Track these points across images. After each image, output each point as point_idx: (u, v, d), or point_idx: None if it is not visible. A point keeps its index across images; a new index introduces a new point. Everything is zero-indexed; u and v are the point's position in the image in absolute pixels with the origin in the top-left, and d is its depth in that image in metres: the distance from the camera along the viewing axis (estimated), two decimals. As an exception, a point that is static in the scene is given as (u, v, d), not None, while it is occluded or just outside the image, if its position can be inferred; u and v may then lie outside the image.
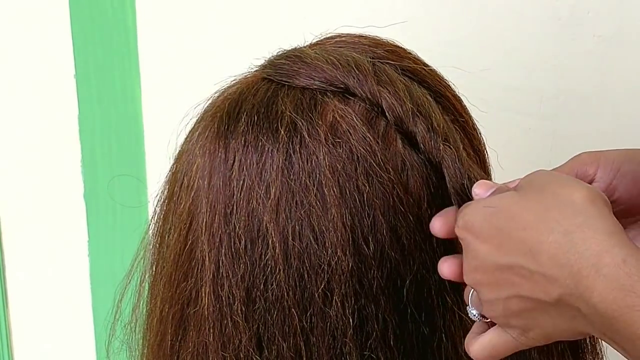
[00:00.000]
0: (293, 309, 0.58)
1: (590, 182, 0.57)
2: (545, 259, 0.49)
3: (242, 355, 0.59)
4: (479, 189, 0.57)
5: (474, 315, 0.56)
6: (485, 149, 0.66)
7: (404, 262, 0.59)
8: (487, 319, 0.56)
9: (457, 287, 0.60)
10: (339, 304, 0.58)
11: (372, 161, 0.58)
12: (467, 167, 0.59)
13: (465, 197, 0.58)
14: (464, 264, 0.55)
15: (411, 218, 0.58)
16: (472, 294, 0.56)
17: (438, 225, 0.58)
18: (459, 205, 0.57)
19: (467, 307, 0.57)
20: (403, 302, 0.59)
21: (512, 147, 0.93)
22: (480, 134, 0.66)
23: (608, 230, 0.48)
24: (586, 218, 0.49)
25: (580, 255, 0.48)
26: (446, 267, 0.57)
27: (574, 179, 0.53)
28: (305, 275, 0.58)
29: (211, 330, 0.60)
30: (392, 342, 0.59)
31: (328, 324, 0.58)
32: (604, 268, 0.47)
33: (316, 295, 0.58)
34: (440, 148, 0.59)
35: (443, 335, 0.60)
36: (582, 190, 0.51)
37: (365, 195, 0.58)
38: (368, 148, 0.58)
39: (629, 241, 0.48)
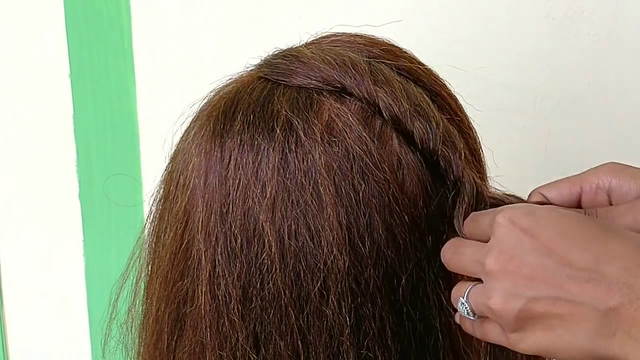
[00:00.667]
0: (289, 308, 0.58)
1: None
2: (615, 268, 0.49)
3: (239, 354, 0.59)
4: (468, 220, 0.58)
5: (465, 310, 0.56)
6: (480, 147, 0.66)
7: (399, 261, 0.59)
8: (477, 316, 0.56)
9: (453, 287, 0.60)
10: (335, 303, 0.58)
11: (367, 160, 0.58)
12: (465, 163, 0.59)
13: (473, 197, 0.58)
14: (493, 248, 0.53)
15: (406, 217, 0.59)
16: (471, 288, 0.55)
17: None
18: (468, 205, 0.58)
19: (459, 301, 0.56)
20: (399, 301, 0.59)
21: (507, 145, 0.93)
22: (475, 132, 0.66)
23: None
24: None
25: (636, 293, 0.48)
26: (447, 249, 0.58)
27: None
28: (302, 274, 0.58)
29: (208, 329, 0.60)
30: (389, 341, 0.59)
31: (325, 322, 0.58)
32: None
33: (312, 294, 0.58)
34: (439, 147, 0.59)
35: (439, 333, 0.60)
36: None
37: (361, 194, 0.58)
38: (364, 147, 0.58)
39: None
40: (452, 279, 0.60)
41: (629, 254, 0.49)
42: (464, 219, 0.59)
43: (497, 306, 0.53)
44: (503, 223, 0.53)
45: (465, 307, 0.56)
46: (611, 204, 0.59)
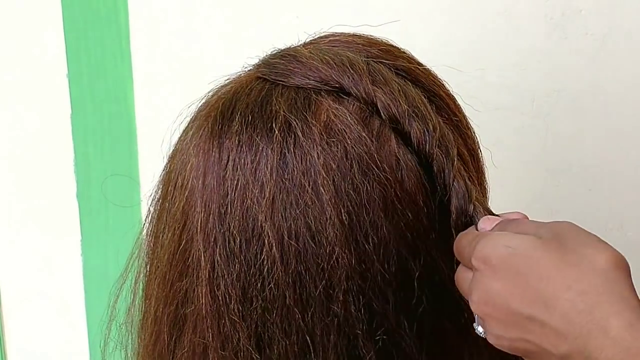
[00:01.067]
0: (293, 308, 0.58)
1: None
2: (558, 315, 0.50)
3: (241, 355, 0.59)
4: (484, 224, 0.59)
5: (481, 333, 0.57)
6: (479, 147, 0.66)
7: (409, 254, 0.59)
8: None
9: None
10: (341, 300, 0.58)
11: (367, 159, 0.58)
12: (457, 170, 0.59)
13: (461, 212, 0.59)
14: (473, 291, 0.55)
15: (410, 214, 0.59)
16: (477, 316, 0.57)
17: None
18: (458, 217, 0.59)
19: (475, 323, 0.57)
20: (415, 295, 0.59)
21: (505, 145, 0.93)
22: (474, 132, 0.66)
23: (622, 295, 0.50)
24: (604, 281, 0.50)
25: (592, 316, 0.49)
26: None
27: (599, 239, 0.54)
28: (304, 274, 0.58)
29: (209, 330, 0.60)
30: (407, 336, 0.59)
31: (334, 320, 0.58)
32: (612, 330, 0.49)
33: (317, 294, 0.58)
34: (434, 150, 0.59)
35: (456, 325, 0.61)
36: (606, 253, 0.52)
37: (362, 193, 0.58)
38: (363, 147, 0.58)
39: None
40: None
41: (570, 293, 0.50)
42: (454, 228, 0.60)
43: (493, 342, 0.55)
44: (477, 265, 0.55)
45: (481, 332, 0.57)
46: None
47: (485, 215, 0.59)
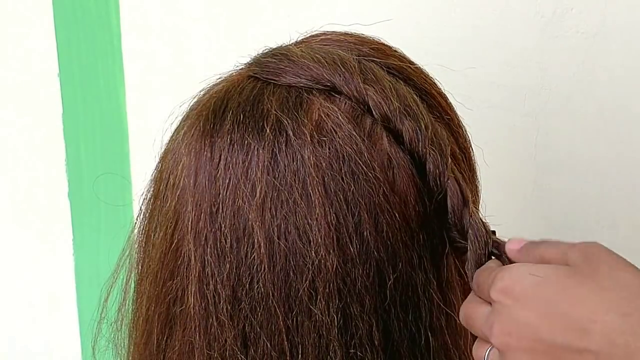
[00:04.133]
0: (278, 308, 0.58)
1: None
2: (598, 338, 0.50)
3: (227, 354, 0.59)
4: (512, 245, 0.58)
5: None
6: (470, 146, 0.66)
7: (388, 260, 0.58)
8: None
9: (443, 286, 0.60)
10: (323, 303, 0.57)
11: (357, 159, 0.58)
12: (451, 169, 0.59)
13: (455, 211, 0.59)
14: (494, 324, 0.54)
15: (397, 216, 0.59)
16: (488, 353, 0.56)
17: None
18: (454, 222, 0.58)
19: (484, 355, 0.56)
20: (388, 301, 0.59)
21: (497, 144, 0.93)
22: (465, 131, 0.66)
23: None
24: None
25: (638, 336, 0.48)
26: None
27: (629, 262, 0.53)
28: (291, 274, 0.58)
29: (197, 329, 0.60)
30: (377, 342, 0.59)
31: (314, 322, 0.58)
32: None
33: (301, 294, 0.57)
34: (427, 149, 0.59)
35: (429, 333, 0.60)
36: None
37: (350, 194, 0.58)
38: (354, 146, 0.58)
39: None
40: (444, 278, 0.60)
41: (611, 315, 0.50)
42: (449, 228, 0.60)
43: None
44: (497, 298, 0.54)
45: None
46: None
47: (481, 219, 0.59)
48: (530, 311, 0.52)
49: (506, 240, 0.60)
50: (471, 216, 0.59)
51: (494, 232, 0.61)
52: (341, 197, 0.57)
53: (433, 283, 0.60)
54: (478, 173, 0.67)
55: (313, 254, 0.57)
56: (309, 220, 0.57)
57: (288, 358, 0.58)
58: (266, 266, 0.58)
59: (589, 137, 0.91)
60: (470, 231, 0.59)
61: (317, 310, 0.58)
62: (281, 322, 0.58)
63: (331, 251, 0.57)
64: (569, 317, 0.51)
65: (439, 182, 0.59)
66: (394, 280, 0.59)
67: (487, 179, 0.69)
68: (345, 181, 0.58)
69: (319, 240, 0.57)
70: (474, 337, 0.58)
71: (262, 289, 0.58)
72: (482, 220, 0.60)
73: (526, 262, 0.56)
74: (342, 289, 0.58)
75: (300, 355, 0.58)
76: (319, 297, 0.57)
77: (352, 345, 0.58)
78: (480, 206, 0.67)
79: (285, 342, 0.58)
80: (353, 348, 0.58)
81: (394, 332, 0.59)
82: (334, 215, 0.57)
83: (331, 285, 0.57)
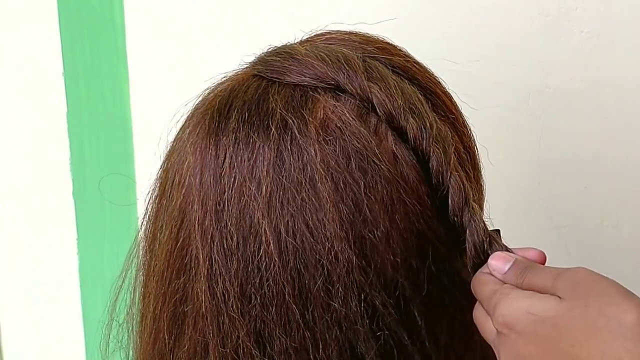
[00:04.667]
0: (293, 305, 0.58)
1: None
2: None
3: (241, 351, 0.59)
4: (496, 261, 0.58)
5: None
6: (475, 145, 0.66)
7: (412, 249, 0.59)
8: None
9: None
10: (342, 296, 0.58)
11: (367, 154, 0.58)
12: (455, 167, 0.59)
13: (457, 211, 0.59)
14: (501, 353, 0.55)
15: (410, 205, 0.59)
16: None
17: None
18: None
19: None
20: (421, 285, 0.59)
21: (501, 143, 0.94)
22: (470, 130, 0.66)
23: None
24: (636, 344, 0.50)
25: None
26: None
27: (620, 292, 0.53)
28: (303, 270, 0.58)
29: (209, 327, 0.60)
30: (412, 322, 0.59)
31: (334, 315, 0.58)
32: None
33: (316, 290, 0.58)
34: (431, 147, 0.59)
35: (457, 311, 0.61)
36: (632, 312, 0.51)
37: (361, 188, 0.58)
38: (363, 142, 0.58)
39: None
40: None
41: (617, 353, 0.50)
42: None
43: None
44: (501, 330, 0.55)
45: None
46: None
47: (482, 218, 0.59)
48: (532, 349, 0.53)
49: (508, 243, 0.60)
50: (471, 216, 0.59)
51: (498, 231, 0.61)
52: (352, 191, 0.58)
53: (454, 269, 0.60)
54: (483, 172, 0.67)
55: (327, 249, 0.57)
56: (320, 216, 0.57)
57: (311, 352, 0.58)
58: (276, 263, 0.58)
59: (593, 137, 0.91)
60: (468, 231, 0.59)
61: (337, 304, 0.58)
62: (299, 317, 0.58)
63: (347, 245, 0.57)
64: (570, 356, 0.52)
65: (441, 180, 0.59)
66: (427, 266, 0.59)
67: (491, 178, 0.70)
68: (355, 176, 0.58)
69: (332, 235, 0.57)
70: None
71: (274, 286, 0.58)
72: (482, 221, 0.60)
73: (519, 292, 0.56)
74: (363, 281, 0.58)
75: (322, 349, 0.58)
76: (338, 290, 0.58)
77: (386, 328, 0.59)
78: (485, 205, 0.67)
79: (307, 337, 0.58)
80: (387, 331, 0.59)
81: (431, 317, 0.60)
82: (345, 209, 0.57)
83: (351, 278, 0.58)
